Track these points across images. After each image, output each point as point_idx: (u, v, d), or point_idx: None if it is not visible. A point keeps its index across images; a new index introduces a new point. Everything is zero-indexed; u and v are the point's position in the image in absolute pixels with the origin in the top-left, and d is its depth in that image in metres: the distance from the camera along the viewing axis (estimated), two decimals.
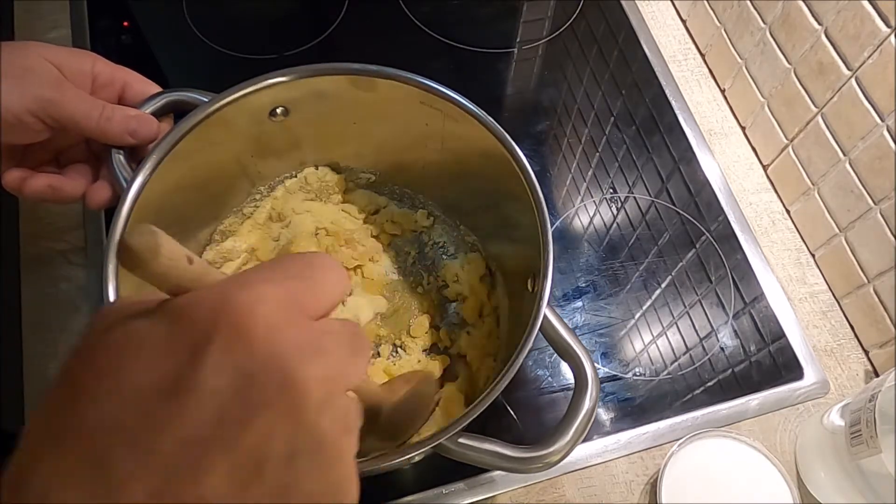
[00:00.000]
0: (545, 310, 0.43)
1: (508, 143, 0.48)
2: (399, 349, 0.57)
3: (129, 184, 0.44)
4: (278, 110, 0.51)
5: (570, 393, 0.43)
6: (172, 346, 0.21)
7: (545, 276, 0.44)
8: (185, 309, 0.21)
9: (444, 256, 0.60)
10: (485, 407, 0.40)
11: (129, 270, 0.21)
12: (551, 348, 0.59)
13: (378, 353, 0.56)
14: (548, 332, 0.44)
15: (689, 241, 0.66)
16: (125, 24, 0.75)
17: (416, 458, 0.41)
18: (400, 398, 0.42)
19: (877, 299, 0.59)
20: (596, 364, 0.59)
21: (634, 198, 0.68)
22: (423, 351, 0.57)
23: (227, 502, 0.20)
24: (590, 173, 0.69)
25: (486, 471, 0.54)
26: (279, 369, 0.21)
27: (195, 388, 0.20)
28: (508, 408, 0.58)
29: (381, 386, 0.44)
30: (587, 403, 0.41)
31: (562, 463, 0.54)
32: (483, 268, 0.59)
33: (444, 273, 0.60)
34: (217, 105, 0.47)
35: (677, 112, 0.73)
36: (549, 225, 0.46)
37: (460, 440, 0.40)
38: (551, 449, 0.40)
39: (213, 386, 0.20)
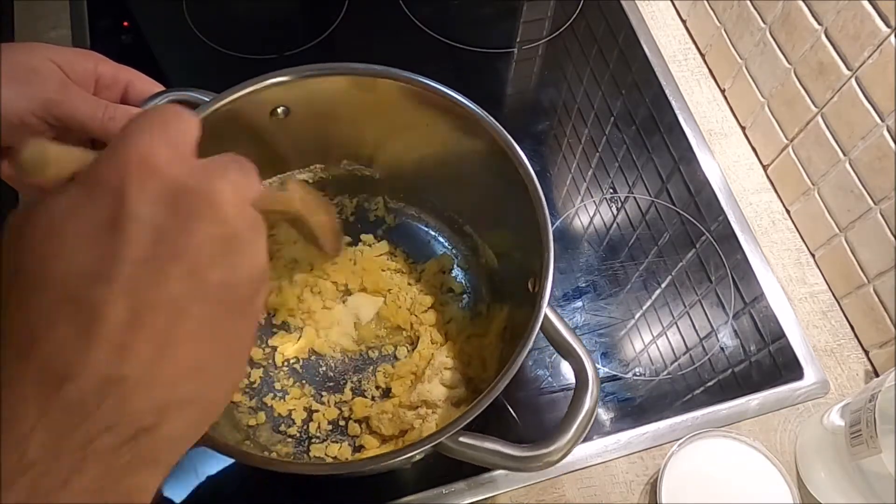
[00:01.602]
0: (546, 309, 0.43)
1: (508, 141, 0.48)
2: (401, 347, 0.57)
3: None
4: (279, 110, 0.51)
5: (570, 393, 0.43)
6: (97, 200, 0.24)
7: (546, 276, 0.44)
8: (95, 173, 0.25)
9: (449, 259, 0.61)
10: (486, 405, 0.40)
11: (31, 178, 0.25)
12: (551, 348, 0.60)
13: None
14: (548, 332, 0.44)
15: (689, 241, 0.66)
16: (125, 24, 0.75)
17: (417, 458, 0.41)
18: (306, 206, 0.47)
19: (877, 299, 0.59)
20: (596, 364, 0.60)
21: (634, 198, 0.68)
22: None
23: (188, 298, 0.24)
24: (590, 173, 0.70)
25: (487, 471, 0.54)
26: (197, 186, 0.25)
27: (130, 219, 0.24)
28: (509, 408, 0.58)
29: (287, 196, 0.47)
30: (588, 403, 0.41)
31: (562, 463, 0.54)
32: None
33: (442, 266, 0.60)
34: (218, 104, 0.48)
35: (677, 112, 0.73)
36: (549, 224, 0.46)
37: (461, 439, 0.40)
38: (552, 448, 0.40)
39: (144, 212, 0.24)
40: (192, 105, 0.48)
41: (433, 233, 0.62)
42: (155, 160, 0.25)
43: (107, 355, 0.22)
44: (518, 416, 0.57)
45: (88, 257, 0.23)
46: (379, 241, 0.61)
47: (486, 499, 0.54)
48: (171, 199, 0.24)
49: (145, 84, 0.50)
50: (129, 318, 0.23)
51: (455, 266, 0.61)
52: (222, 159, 0.28)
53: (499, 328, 0.55)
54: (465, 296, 0.60)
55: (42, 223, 0.24)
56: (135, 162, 0.24)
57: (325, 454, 0.53)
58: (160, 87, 0.50)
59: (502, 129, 0.49)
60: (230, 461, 0.53)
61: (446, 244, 0.61)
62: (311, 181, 0.59)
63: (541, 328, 0.43)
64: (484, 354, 0.55)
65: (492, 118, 0.49)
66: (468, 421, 0.40)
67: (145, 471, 0.24)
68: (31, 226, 0.24)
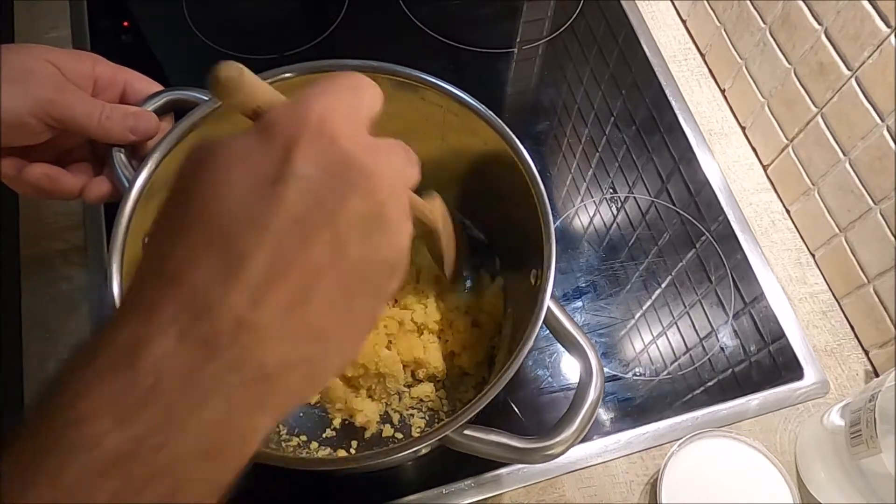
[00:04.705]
0: (549, 302, 0.43)
1: (506, 134, 0.49)
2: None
3: (132, 182, 0.44)
4: None
5: (570, 393, 0.43)
6: (268, 150, 0.25)
7: (548, 267, 0.44)
8: (274, 122, 0.26)
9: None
10: (493, 396, 0.40)
11: (219, 99, 0.27)
12: (551, 348, 0.60)
13: None
14: (552, 324, 0.44)
15: (689, 241, 0.66)
16: (125, 24, 0.75)
17: (424, 451, 0.41)
18: (444, 224, 0.49)
19: (877, 299, 0.59)
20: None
21: (634, 198, 0.68)
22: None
23: (327, 265, 0.25)
24: (590, 173, 0.70)
25: (487, 470, 0.54)
26: (358, 160, 0.26)
27: (294, 177, 0.25)
28: (512, 405, 0.58)
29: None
30: (592, 394, 0.42)
31: (562, 463, 0.55)
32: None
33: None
34: (217, 103, 0.47)
35: (677, 112, 0.73)
36: (550, 215, 0.46)
37: (466, 432, 0.40)
38: (557, 439, 0.40)
39: (307, 173, 0.25)
40: (191, 104, 0.48)
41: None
42: (332, 126, 0.26)
43: (244, 300, 0.23)
44: (521, 415, 0.57)
45: (247, 204, 0.24)
46: None
47: (486, 499, 0.54)
48: (334, 166, 0.25)
49: (144, 84, 0.50)
50: (270, 270, 0.24)
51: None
52: (391, 143, 0.29)
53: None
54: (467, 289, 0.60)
55: (219, 162, 0.25)
56: (313, 121, 0.25)
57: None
58: (159, 87, 0.50)
59: (497, 118, 0.49)
60: None
61: None
62: None
63: (544, 321, 0.43)
64: (487, 347, 0.55)
65: (488, 110, 0.49)
66: (476, 412, 0.40)
67: (260, 416, 0.25)
68: (210, 161, 0.25)
